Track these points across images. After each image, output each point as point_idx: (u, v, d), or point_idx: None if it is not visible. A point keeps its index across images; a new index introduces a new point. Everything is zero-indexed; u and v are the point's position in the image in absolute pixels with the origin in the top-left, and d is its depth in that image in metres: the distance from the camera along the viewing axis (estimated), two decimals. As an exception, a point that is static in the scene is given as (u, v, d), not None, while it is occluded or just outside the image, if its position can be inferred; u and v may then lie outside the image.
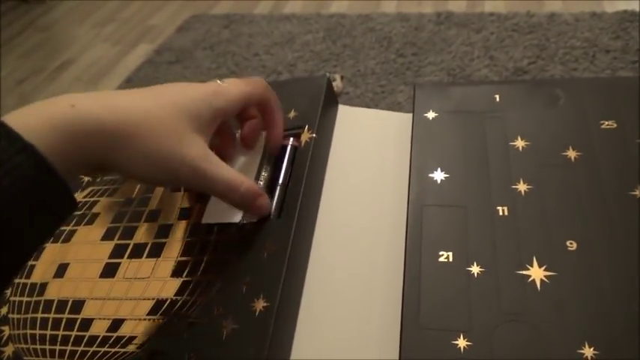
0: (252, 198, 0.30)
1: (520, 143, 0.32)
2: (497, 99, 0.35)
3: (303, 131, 0.34)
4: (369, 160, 0.35)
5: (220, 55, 0.86)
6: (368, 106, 0.66)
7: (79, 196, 0.40)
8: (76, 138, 0.25)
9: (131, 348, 0.29)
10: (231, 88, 0.31)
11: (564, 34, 0.67)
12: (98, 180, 0.41)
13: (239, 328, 0.27)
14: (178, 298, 0.30)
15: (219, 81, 0.32)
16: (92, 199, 0.39)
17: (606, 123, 0.33)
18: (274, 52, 0.83)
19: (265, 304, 0.27)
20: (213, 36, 0.91)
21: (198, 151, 0.28)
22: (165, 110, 0.28)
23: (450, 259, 0.29)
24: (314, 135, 0.34)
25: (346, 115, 0.37)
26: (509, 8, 0.76)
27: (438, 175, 0.32)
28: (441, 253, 0.29)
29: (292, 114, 0.36)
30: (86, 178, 0.41)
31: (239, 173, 0.30)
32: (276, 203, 0.32)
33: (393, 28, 0.79)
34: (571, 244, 0.28)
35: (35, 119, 0.24)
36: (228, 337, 0.27)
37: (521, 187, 0.30)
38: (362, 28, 0.82)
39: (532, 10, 0.73)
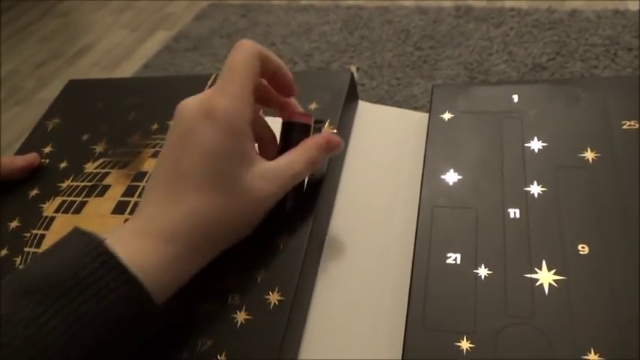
0: (326, 147, 0.31)
1: (536, 144, 0.32)
2: (516, 99, 0.35)
3: (324, 125, 0.35)
4: (385, 158, 0.35)
5: (237, 43, 0.86)
6: (383, 99, 0.66)
7: (90, 167, 0.40)
8: (175, 266, 0.27)
9: None
10: (226, 74, 0.29)
11: (585, 31, 0.67)
12: (110, 152, 0.41)
13: (253, 320, 0.28)
14: (193, 282, 0.30)
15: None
16: (104, 171, 0.40)
17: (628, 123, 0.32)
18: (291, 42, 0.83)
19: (280, 298, 0.28)
20: (230, 25, 0.91)
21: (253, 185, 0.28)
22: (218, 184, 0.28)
23: (458, 261, 0.29)
24: (335, 130, 0.34)
25: (365, 110, 0.38)
26: (530, 4, 0.75)
27: (451, 177, 0.32)
28: (449, 254, 0.29)
29: (313, 106, 0.36)
30: (98, 149, 0.42)
31: (290, 154, 0.30)
32: (293, 197, 0.32)
33: (412, 20, 0.79)
34: (583, 247, 0.28)
35: (140, 252, 0.26)
36: (241, 327, 0.27)
37: (535, 189, 0.30)
38: (380, 20, 0.81)
39: (553, 6, 0.72)
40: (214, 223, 0.28)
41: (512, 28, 0.70)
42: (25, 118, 0.88)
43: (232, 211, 0.28)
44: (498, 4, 0.77)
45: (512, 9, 0.73)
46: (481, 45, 0.70)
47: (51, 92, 0.92)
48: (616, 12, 0.67)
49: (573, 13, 0.69)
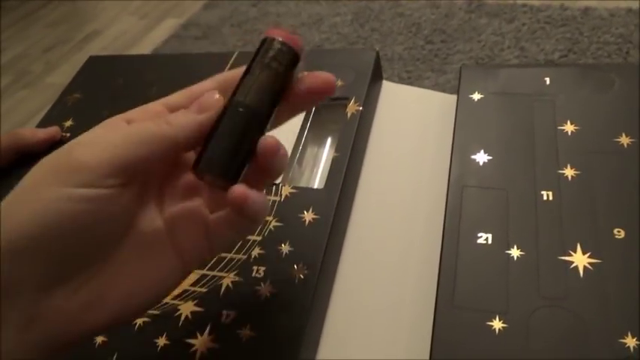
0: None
1: (569, 127, 0.31)
2: (548, 82, 0.33)
3: (350, 102, 0.33)
4: (410, 138, 0.34)
5: (247, 32, 0.85)
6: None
7: None
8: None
9: (166, 299, 0.28)
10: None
11: (598, 28, 0.66)
12: None
13: (278, 293, 0.26)
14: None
15: None
16: None
17: None
18: (301, 33, 0.82)
19: (305, 272, 0.27)
20: (240, 14, 0.90)
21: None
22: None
23: (489, 241, 0.28)
24: (361, 108, 0.33)
25: (390, 90, 0.36)
26: (542, 0, 0.74)
27: (481, 157, 0.31)
28: (479, 234, 0.28)
29: (338, 84, 0.35)
30: None
31: None
32: (320, 172, 0.31)
33: (423, 14, 0.78)
34: (619, 232, 0.27)
35: None
36: (266, 301, 0.26)
37: (568, 172, 0.29)
38: (391, 13, 0.80)
39: (566, 4, 0.71)
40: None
41: (524, 24, 0.69)
42: (32, 102, 0.87)
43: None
44: (510, 0, 0.76)
45: (524, 5, 0.72)
46: (493, 40, 0.69)
47: (59, 77, 0.91)
48: (629, 10, 0.66)
49: (586, 10, 0.68)
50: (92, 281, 0.21)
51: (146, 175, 0.24)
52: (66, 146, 0.22)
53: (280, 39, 0.23)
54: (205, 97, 0.23)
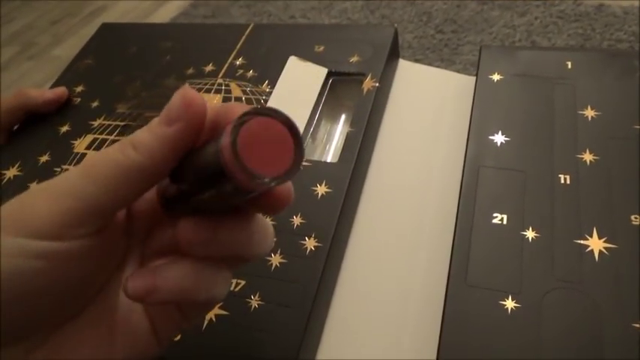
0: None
1: (590, 112, 0.30)
2: (569, 66, 0.33)
3: (366, 78, 0.33)
4: (426, 116, 0.33)
5: (256, 13, 0.84)
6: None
7: (122, 107, 0.39)
8: None
9: None
10: None
11: (611, 25, 0.65)
12: (143, 94, 0.40)
13: (288, 264, 0.26)
14: None
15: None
16: (136, 111, 0.39)
17: None
18: (310, 17, 0.81)
19: (317, 244, 0.26)
20: (250, -5, 0.89)
21: None
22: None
23: (504, 222, 0.27)
24: (377, 84, 0.32)
25: (406, 69, 0.36)
26: (556, -5, 0.73)
27: (499, 138, 0.30)
28: (495, 214, 0.28)
29: (355, 59, 0.34)
30: (131, 91, 0.40)
31: None
32: (334, 147, 0.31)
33: (435, 3, 0.77)
34: (635, 218, 0.26)
35: None
36: (276, 270, 0.26)
37: (587, 157, 0.29)
38: (402, 1, 0.79)
39: (579, -1, 0.70)
40: None
41: (536, 18, 0.69)
42: (37, 74, 0.85)
43: None
44: (524, -6, 0.75)
45: (537, -2, 0.71)
46: (504, 32, 0.68)
47: (65, 49, 0.89)
48: (643, 9, 0.65)
49: (600, 7, 0.67)
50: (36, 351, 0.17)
51: (129, 218, 0.19)
52: (27, 191, 0.17)
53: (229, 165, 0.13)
54: (172, 103, 0.16)
